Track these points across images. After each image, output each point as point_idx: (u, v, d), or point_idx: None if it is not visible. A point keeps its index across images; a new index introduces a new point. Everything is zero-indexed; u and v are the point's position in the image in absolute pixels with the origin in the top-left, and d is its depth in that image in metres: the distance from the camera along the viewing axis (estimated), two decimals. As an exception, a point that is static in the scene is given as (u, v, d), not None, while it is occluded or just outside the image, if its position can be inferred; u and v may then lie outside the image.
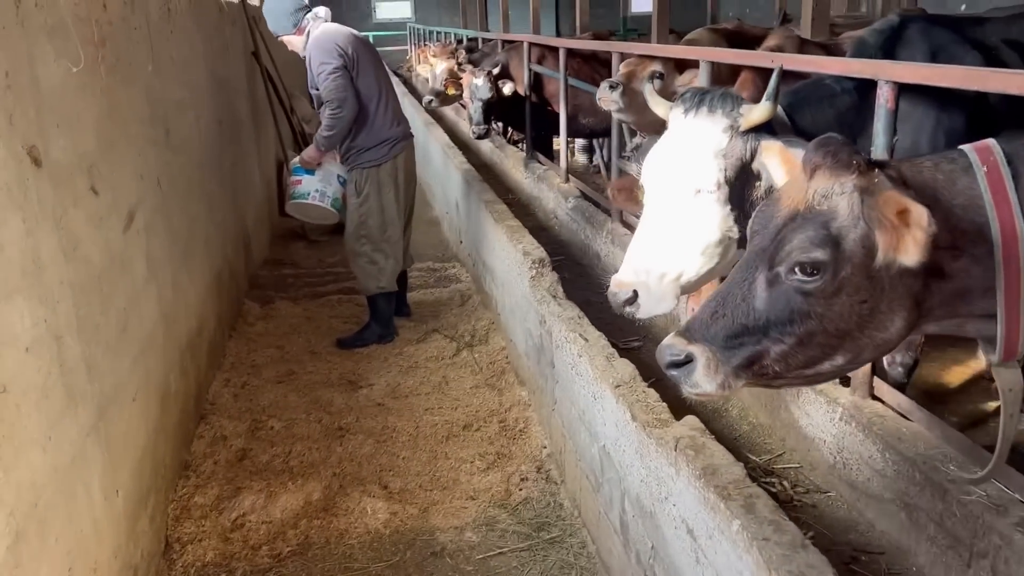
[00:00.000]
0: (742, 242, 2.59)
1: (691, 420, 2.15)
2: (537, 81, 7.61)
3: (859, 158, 1.49)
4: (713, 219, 2.46)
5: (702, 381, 1.56)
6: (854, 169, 1.47)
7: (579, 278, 5.32)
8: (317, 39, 4.32)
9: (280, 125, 7.22)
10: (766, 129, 2.48)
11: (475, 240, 5.28)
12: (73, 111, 2.37)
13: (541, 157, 7.56)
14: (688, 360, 1.56)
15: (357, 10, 26.33)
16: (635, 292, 2.48)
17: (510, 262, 4.06)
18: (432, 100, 8.90)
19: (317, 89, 4.34)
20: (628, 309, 2.49)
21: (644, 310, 2.49)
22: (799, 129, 2.61)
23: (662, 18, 7.43)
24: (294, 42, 4.51)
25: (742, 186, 2.45)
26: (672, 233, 2.48)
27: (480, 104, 7.43)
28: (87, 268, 2.38)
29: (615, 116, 4.65)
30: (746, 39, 6.97)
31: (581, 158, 10.20)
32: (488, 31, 14.86)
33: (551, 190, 6.57)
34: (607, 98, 4.38)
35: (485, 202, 4.85)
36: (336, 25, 4.53)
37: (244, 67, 6.33)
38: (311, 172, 4.66)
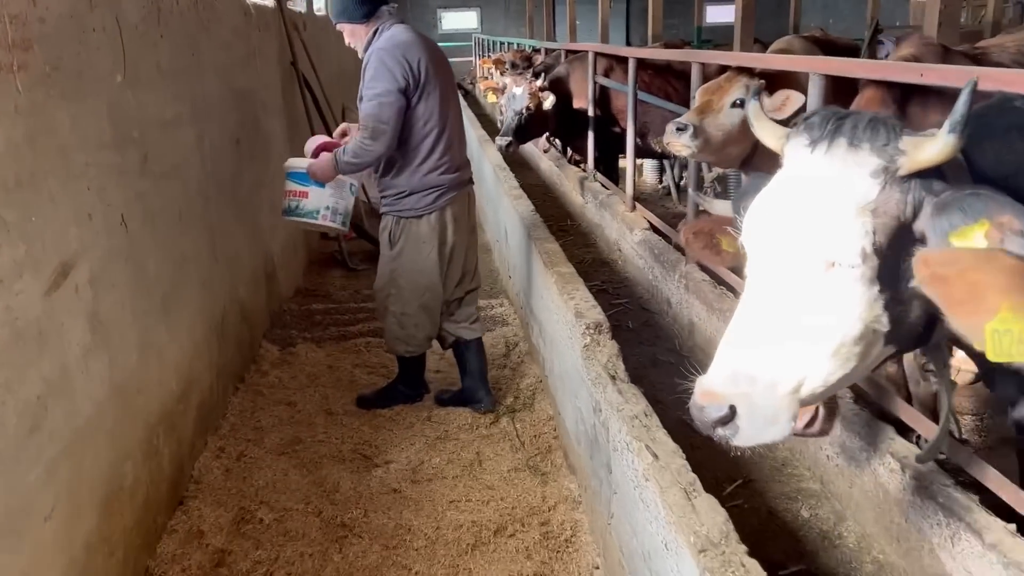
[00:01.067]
0: (890, 336, 1.78)
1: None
2: (603, 95, 6.85)
3: None
4: (853, 305, 1.65)
5: None
6: None
7: (645, 328, 4.53)
8: (383, 48, 3.35)
9: (320, 141, 6.61)
10: (934, 174, 1.67)
11: (523, 281, 4.53)
12: (-54, 138, 1.72)
13: (604, 180, 6.78)
14: None
15: (423, 20, 26.03)
16: (732, 409, 1.69)
17: (560, 320, 3.30)
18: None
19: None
20: (721, 431, 1.69)
21: (745, 435, 1.69)
22: (977, 173, 1.79)
23: (746, 25, 6.57)
24: (357, 33, 3.49)
25: (897, 257, 1.64)
26: (790, 323, 1.68)
27: (512, 115, 6.59)
28: (-42, 356, 1.72)
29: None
30: (838, 50, 6.11)
31: (650, 177, 9.39)
32: (555, 41, 14.18)
33: (615, 219, 5.78)
34: (676, 143, 3.64)
35: (534, 240, 4.10)
36: (411, 32, 3.49)
37: (278, 78, 5.73)
38: (320, 184, 3.69)
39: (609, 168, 7.20)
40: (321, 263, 6.58)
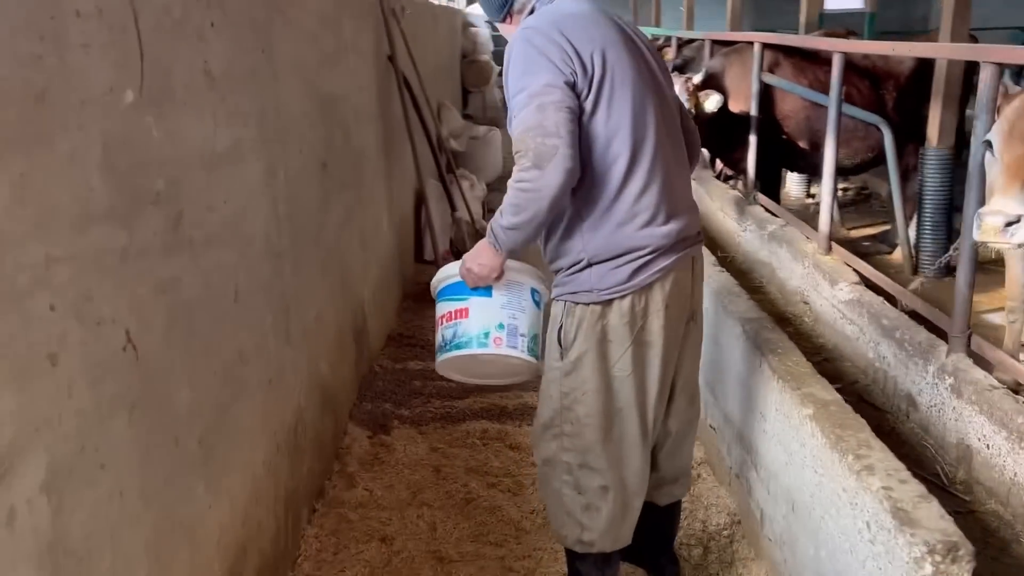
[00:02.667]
0: None
1: None
2: (765, 97, 5.52)
3: None
4: None
5: None
6: None
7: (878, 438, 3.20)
8: (531, 26, 2.07)
9: (418, 148, 5.50)
10: None
11: (712, 364, 3.28)
12: None
13: (769, 203, 5.44)
14: None
15: (516, 8, 24.79)
16: None
17: (840, 500, 2.04)
18: None
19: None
20: None
21: None
22: None
23: (961, 10, 5.12)
24: (509, 33, 2.26)
25: None
26: None
27: None
28: None
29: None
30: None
31: (794, 190, 8.00)
32: (659, 27, 12.82)
33: (798, 260, 4.44)
34: (1007, 242, 2.42)
35: (738, 318, 2.84)
36: (583, 2, 2.15)
37: (375, 78, 4.63)
38: (485, 291, 2.30)
39: (767, 185, 5.86)
40: (416, 298, 5.46)
